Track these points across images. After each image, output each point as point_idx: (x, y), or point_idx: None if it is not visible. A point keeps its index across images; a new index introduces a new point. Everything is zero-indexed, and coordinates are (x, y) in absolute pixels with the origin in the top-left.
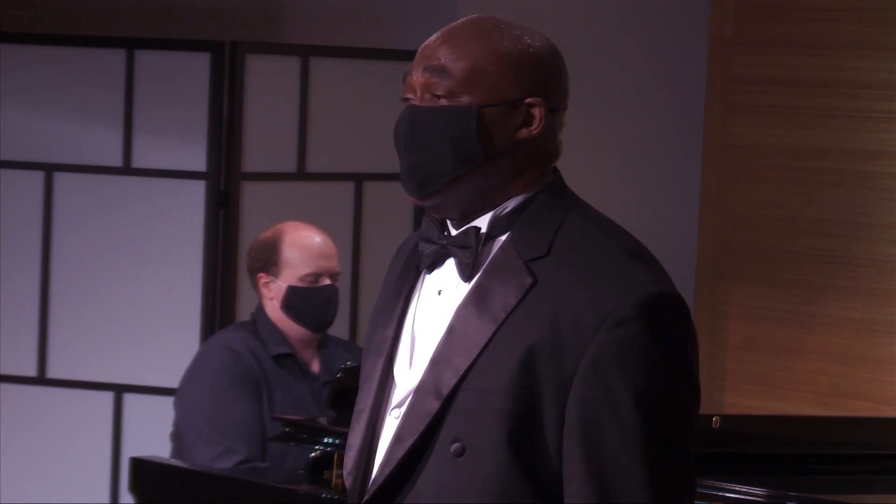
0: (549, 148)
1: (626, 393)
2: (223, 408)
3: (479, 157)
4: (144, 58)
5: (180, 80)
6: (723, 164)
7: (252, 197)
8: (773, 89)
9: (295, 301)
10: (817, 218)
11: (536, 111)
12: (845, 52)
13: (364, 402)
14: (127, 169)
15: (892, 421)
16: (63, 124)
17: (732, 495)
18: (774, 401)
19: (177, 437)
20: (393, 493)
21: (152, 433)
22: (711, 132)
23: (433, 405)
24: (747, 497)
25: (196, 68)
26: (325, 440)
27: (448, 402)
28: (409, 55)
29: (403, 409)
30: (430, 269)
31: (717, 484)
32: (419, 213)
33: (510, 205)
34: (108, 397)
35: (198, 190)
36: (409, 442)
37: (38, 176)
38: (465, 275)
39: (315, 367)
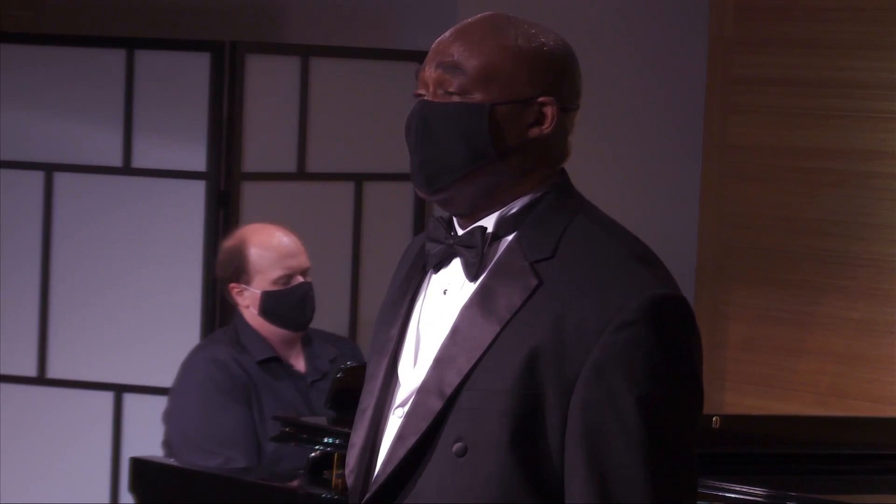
0: (560, 148)
1: (629, 396)
2: (216, 419)
3: (490, 155)
4: (144, 58)
5: (180, 80)
6: (723, 164)
7: (252, 197)
8: (773, 89)
9: (271, 305)
10: (817, 218)
11: (548, 110)
12: (845, 52)
13: (367, 401)
14: (127, 169)
15: (892, 421)
16: (63, 124)
17: (732, 495)
18: (774, 401)
19: (171, 451)
20: (394, 492)
21: (152, 433)
22: (711, 132)
23: (436, 404)
24: (747, 497)
25: (196, 68)
26: (325, 440)
27: (451, 401)
28: (409, 55)
29: (406, 408)
30: (437, 268)
31: (717, 484)
32: (419, 214)
33: (517, 205)
34: (108, 397)
35: (198, 190)
36: (411, 441)
37: (38, 176)
38: (471, 275)
39: (300, 366)
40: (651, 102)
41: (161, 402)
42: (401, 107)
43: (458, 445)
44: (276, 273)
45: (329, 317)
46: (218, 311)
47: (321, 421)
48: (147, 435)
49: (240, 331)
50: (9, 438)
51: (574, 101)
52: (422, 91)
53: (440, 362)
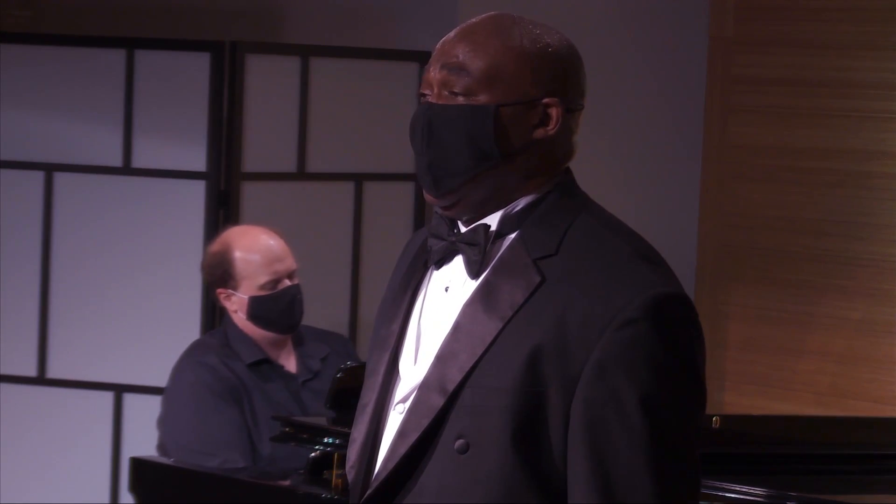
0: (565, 148)
1: (631, 394)
2: (209, 423)
3: (496, 157)
4: (144, 58)
5: (180, 80)
6: (723, 164)
7: (252, 197)
8: (773, 89)
9: (259, 310)
10: (817, 218)
11: (553, 111)
12: (845, 52)
13: (368, 397)
14: (127, 169)
15: (892, 421)
16: (63, 124)
17: (732, 495)
18: (774, 401)
19: (167, 456)
20: (396, 488)
21: (152, 433)
22: (711, 132)
23: (438, 401)
24: (747, 497)
25: (196, 68)
26: (325, 440)
27: (453, 398)
28: (408, 55)
29: (408, 404)
30: (439, 265)
31: (717, 484)
32: (419, 213)
33: (521, 203)
34: (108, 397)
35: (198, 190)
36: (412, 438)
37: (38, 176)
38: (473, 272)
39: (291, 366)
40: (651, 102)
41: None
42: (401, 107)
43: (459, 442)
44: (263, 278)
45: (329, 317)
46: (218, 311)
47: (321, 421)
48: (147, 435)
49: (229, 334)
50: (9, 438)
51: (579, 101)
52: (426, 91)
53: (442, 359)
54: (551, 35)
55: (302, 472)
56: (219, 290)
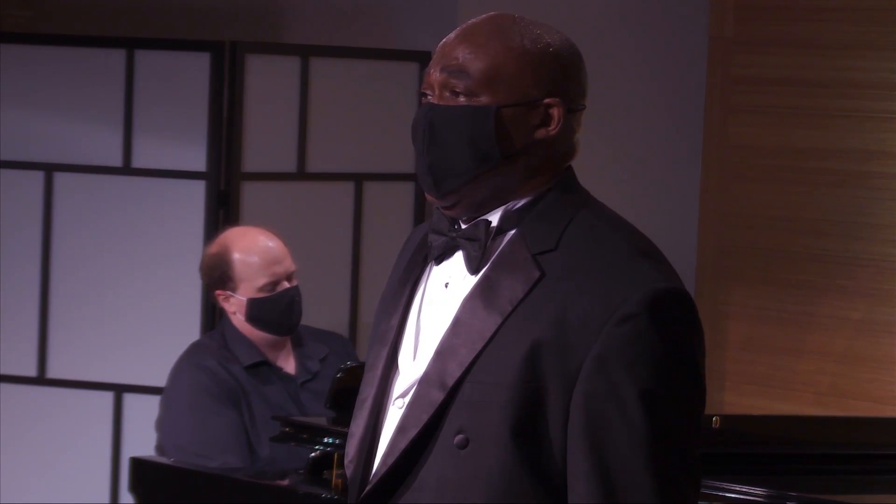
0: (566, 147)
1: (631, 389)
2: (207, 425)
3: (497, 157)
4: (144, 58)
5: (180, 80)
6: (723, 165)
7: (252, 197)
8: (773, 89)
9: (258, 312)
10: (817, 218)
11: (554, 111)
12: (845, 52)
13: (367, 391)
14: (127, 169)
15: (892, 421)
16: (63, 124)
17: (732, 495)
18: (774, 401)
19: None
20: (395, 483)
21: (152, 433)
22: (711, 132)
23: (437, 396)
24: (747, 497)
25: (196, 68)
26: (325, 440)
27: (453, 393)
28: (409, 55)
29: (407, 399)
30: (439, 260)
31: (717, 484)
32: (419, 213)
33: (522, 200)
34: (108, 397)
35: (198, 190)
36: (412, 433)
37: (38, 176)
38: (473, 267)
39: (290, 368)
40: (651, 102)
41: None
42: (401, 107)
43: (459, 437)
44: (262, 280)
45: (329, 317)
46: (218, 311)
47: (321, 421)
48: (147, 435)
49: (227, 335)
50: (9, 438)
51: (580, 101)
52: (428, 92)
53: (441, 354)
54: (552, 35)
55: (302, 472)
56: (217, 292)
